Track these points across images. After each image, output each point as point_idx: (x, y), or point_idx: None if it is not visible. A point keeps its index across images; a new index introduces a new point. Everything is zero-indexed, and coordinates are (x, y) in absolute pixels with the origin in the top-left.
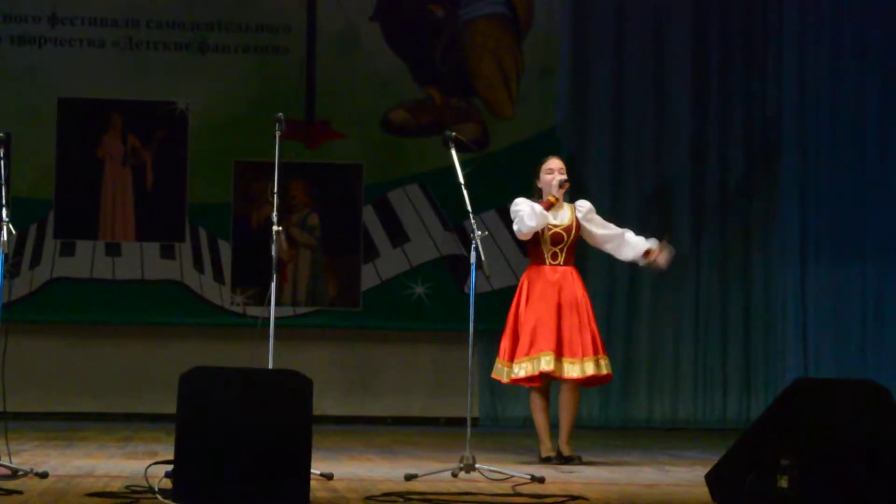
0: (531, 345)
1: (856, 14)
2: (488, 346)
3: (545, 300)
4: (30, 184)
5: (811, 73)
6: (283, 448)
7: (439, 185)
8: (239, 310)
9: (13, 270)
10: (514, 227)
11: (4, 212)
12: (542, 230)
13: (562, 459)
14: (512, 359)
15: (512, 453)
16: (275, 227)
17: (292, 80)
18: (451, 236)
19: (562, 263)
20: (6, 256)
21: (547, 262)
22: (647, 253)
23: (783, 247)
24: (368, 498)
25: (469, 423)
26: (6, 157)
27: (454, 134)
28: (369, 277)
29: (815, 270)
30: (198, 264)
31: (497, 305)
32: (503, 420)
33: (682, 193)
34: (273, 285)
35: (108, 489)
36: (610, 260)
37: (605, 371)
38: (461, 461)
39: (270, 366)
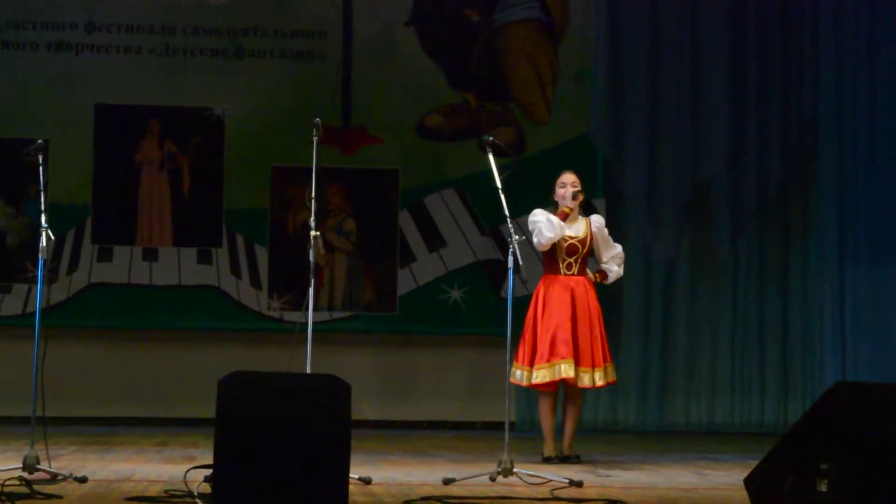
0: (551, 352)
1: (893, 18)
2: None
3: (562, 309)
4: (67, 190)
5: (848, 77)
6: (322, 452)
7: (475, 190)
8: (276, 315)
9: (51, 276)
10: (534, 240)
11: (43, 218)
12: (559, 241)
13: (563, 459)
14: (531, 364)
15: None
16: (312, 232)
17: (328, 85)
18: (487, 241)
19: (576, 273)
20: (45, 262)
21: (562, 271)
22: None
23: (821, 250)
24: (407, 502)
25: (508, 427)
26: (44, 163)
27: (491, 138)
28: (406, 282)
29: (853, 274)
30: (235, 269)
31: None
32: (538, 424)
33: (719, 198)
34: (311, 290)
35: (147, 493)
36: (646, 265)
37: (611, 378)
38: (499, 465)
39: (308, 370)
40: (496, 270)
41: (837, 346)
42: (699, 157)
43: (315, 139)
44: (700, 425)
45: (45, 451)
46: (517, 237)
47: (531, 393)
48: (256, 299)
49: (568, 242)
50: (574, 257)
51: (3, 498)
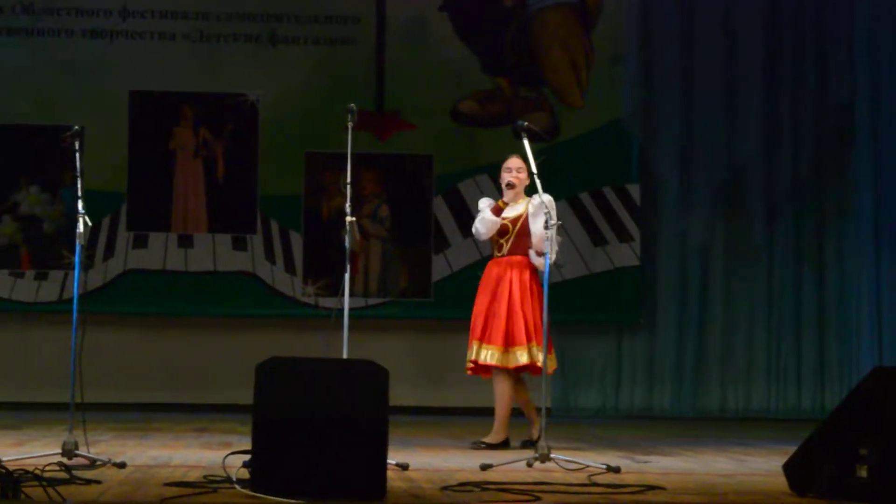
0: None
1: None
2: (561, 336)
3: (485, 291)
4: (103, 177)
5: (884, 59)
6: (360, 438)
7: None
8: (311, 301)
9: (87, 263)
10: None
11: (80, 204)
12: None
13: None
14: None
15: (586, 443)
16: (348, 218)
17: (362, 71)
18: None
19: (506, 254)
20: (82, 248)
21: (494, 253)
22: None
23: (857, 234)
24: (445, 488)
25: (544, 412)
26: (80, 150)
27: (526, 124)
28: (440, 268)
29: (890, 258)
30: (269, 256)
31: (569, 295)
32: (575, 410)
33: (754, 182)
34: (347, 276)
35: (185, 479)
36: (681, 250)
37: (525, 360)
38: (536, 451)
39: (345, 356)
40: None
41: (874, 330)
42: (733, 140)
43: (350, 125)
44: (736, 411)
45: (83, 437)
46: (553, 222)
47: (567, 379)
48: (291, 285)
49: (501, 224)
50: (505, 238)
51: (44, 483)
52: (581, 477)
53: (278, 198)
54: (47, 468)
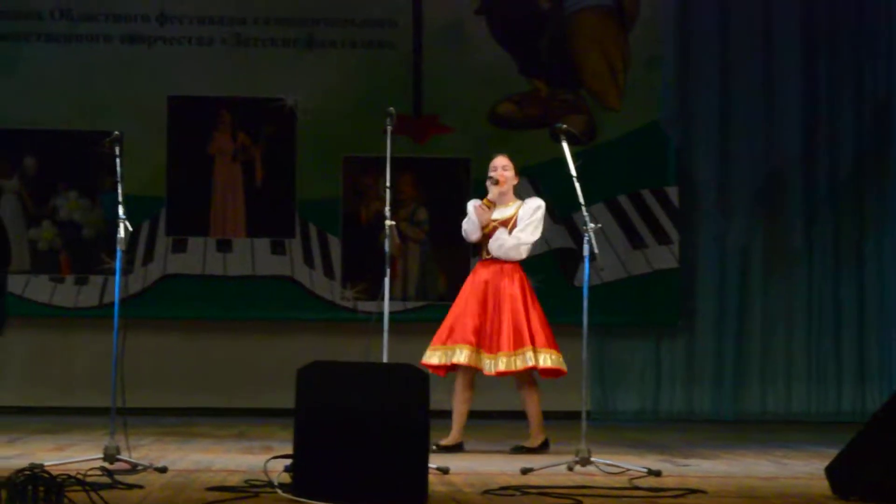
0: (449, 335)
1: None
2: (600, 339)
3: (474, 293)
4: (142, 181)
5: None
6: (402, 442)
7: (547, 178)
8: (349, 305)
9: (127, 267)
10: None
11: (121, 209)
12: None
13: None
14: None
15: (625, 446)
16: (388, 222)
17: (399, 74)
18: (559, 229)
19: (494, 257)
20: (122, 253)
21: (483, 255)
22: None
23: None
24: (486, 492)
25: (584, 416)
26: (120, 155)
27: (564, 126)
28: None
29: None
30: (308, 260)
31: (608, 298)
32: (614, 413)
33: (793, 183)
34: (387, 280)
35: (226, 483)
36: (720, 253)
37: (519, 365)
38: (577, 455)
39: (385, 360)
40: (568, 259)
41: None
42: (771, 142)
43: (389, 128)
44: (776, 414)
45: (124, 442)
46: (593, 225)
47: (606, 382)
48: (330, 289)
49: (490, 226)
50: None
51: (87, 488)
52: (622, 481)
53: (316, 202)
54: (89, 473)
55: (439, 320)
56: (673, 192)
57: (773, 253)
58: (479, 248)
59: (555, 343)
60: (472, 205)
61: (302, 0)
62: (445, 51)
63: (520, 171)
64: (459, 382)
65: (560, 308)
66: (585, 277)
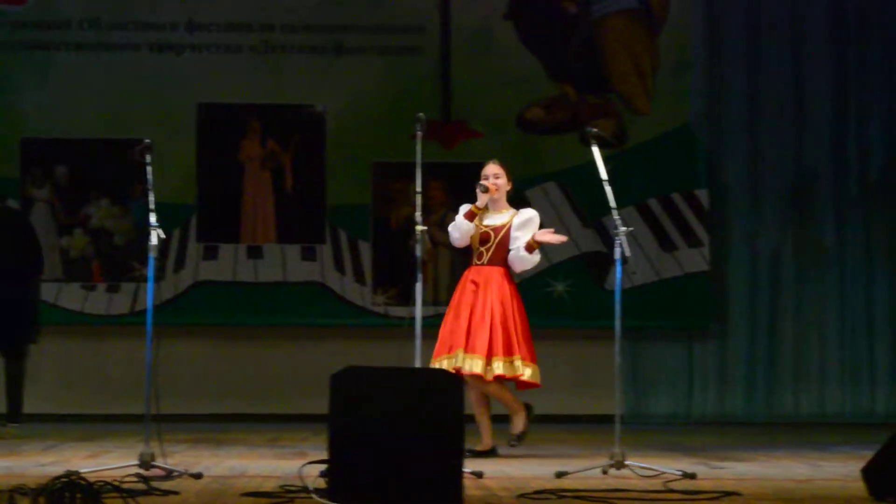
0: (451, 346)
1: None
2: (631, 342)
3: (463, 299)
4: (172, 189)
5: None
6: (437, 446)
7: (577, 183)
8: (380, 310)
9: (158, 274)
10: None
11: (153, 217)
12: (475, 231)
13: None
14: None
15: (659, 449)
16: (419, 227)
17: (427, 80)
18: (589, 233)
19: (486, 263)
20: (154, 260)
21: (474, 261)
22: (529, 245)
23: None
24: (521, 496)
25: (618, 419)
26: (151, 163)
27: (595, 130)
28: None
29: None
30: (339, 265)
31: (639, 302)
32: (647, 417)
33: (824, 184)
34: (419, 285)
35: (262, 489)
36: (751, 255)
37: (507, 372)
38: (611, 458)
39: (417, 365)
40: (599, 263)
41: None
42: (802, 143)
43: (419, 133)
44: (810, 416)
45: (159, 448)
46: (625, 228)
47: (638, 385)
48: (361, 295)
49: (481, 231)
50: (486, 246)
51: (124, 494)
52: (657, 483)
53: (346, 208)
54: (125, 479)
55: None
56: (703, 195)
57: (804, 254)
58: (469, 255)
59: (534, 356)
60: (463, 210)
61: (330, 7)
62: (474, 56)
63: (549, 176)
64: (472, 395)
65: (591, 312)
66: (617, 281)
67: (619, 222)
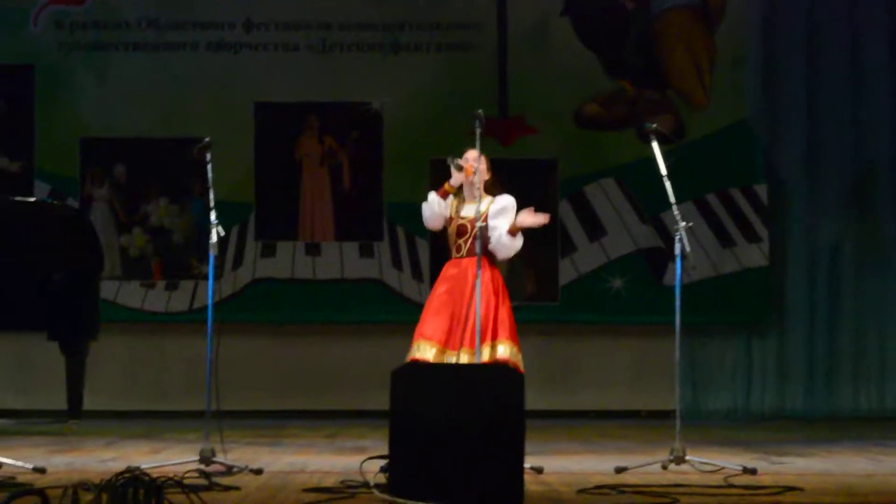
0: (447, 339)
1: None
2: (690, 338)
3: (441, 291)
4: (231, 187)
5: None
6: (497, 442)
7: (634, 178)
8: None
9: (217, 272)
10: None
11: (213, 214)
12: (450, 221)
13: None
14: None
15: (718, 444)
16: (478, 223)
17: (484, 76)
18: (648, 229)
19: (465, 255)
20: (214, 258)
21: (453, 254)
22: (511, 230)
23: None
24: (581, 491)
25: (679, 414)
26: (211, 161)
27: (654, 125)
28: (567, 272)
29: None
30: (396, 262)
31: (697, 297)
32: (706, 412)
33: (883, 177)
34: (478, 282)
35: (322, 484)
36: (810, 249)
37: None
38: (671, 453)
39: (476, 361)
40: (657, 258)
41: None
42: (861, 137)
43: (478, 130)
44: (869, 411)
45: (219, 444)
46: (685, 224)
47: (697, 381)
48: (419, 291)
49: (458, 223)
50: (463, 238)
51: (186, 490)
52: (717, 479)
53: (404, 205)
54: (187, 475)
55: (528, 321)
56: (762, 190)
57: (864, 249)
58: (448, 247)
59: (517, 339)
60: (434, 193)
61: (387, 5)
62: (530, 52)
63: (606, 172)
64: None
65: (650, 307)
66: (677, 277)
67: (679, 218)
